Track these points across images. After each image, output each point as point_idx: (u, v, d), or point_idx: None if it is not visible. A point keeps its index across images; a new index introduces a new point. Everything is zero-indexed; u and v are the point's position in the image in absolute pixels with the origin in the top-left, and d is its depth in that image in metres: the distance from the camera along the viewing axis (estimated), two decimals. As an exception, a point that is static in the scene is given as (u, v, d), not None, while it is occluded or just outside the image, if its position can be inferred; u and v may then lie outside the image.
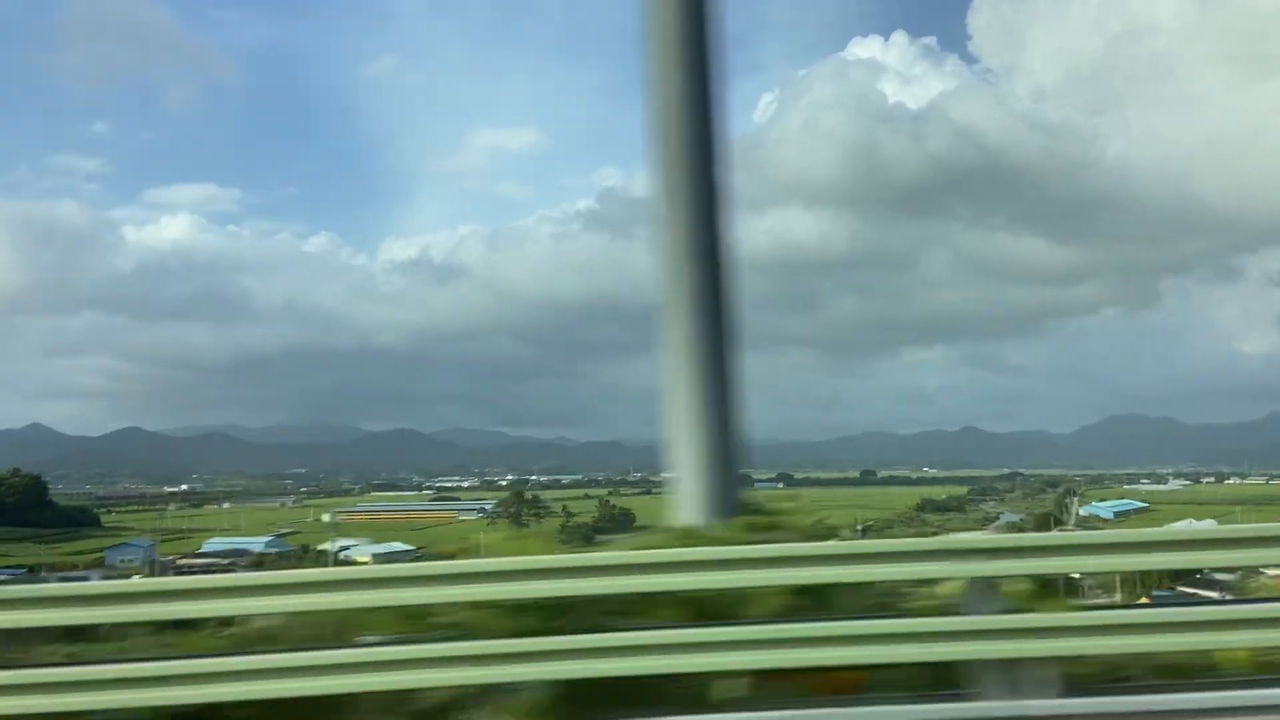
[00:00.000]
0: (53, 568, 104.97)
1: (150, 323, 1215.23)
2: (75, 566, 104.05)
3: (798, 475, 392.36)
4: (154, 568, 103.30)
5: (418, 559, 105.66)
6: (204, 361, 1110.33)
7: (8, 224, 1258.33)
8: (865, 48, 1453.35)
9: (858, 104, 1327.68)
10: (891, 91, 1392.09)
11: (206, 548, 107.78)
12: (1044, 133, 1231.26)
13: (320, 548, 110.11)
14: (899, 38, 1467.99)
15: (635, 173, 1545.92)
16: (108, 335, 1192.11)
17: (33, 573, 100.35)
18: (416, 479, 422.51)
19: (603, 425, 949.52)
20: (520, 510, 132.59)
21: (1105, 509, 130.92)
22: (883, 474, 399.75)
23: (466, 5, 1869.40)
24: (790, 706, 5.17)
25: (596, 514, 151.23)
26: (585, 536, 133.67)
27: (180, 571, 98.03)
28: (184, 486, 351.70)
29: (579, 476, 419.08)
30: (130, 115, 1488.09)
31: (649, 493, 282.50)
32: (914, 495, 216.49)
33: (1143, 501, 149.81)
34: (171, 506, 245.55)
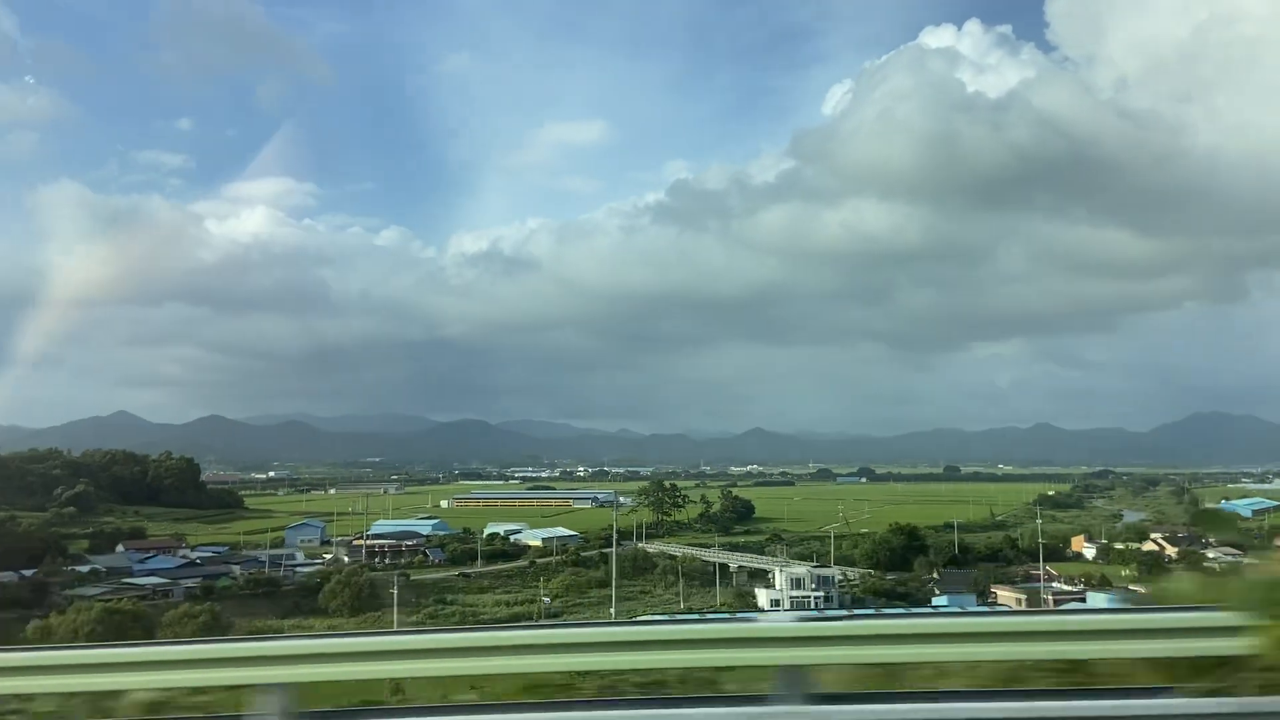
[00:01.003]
0: (239, 548, 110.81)
1: (231, 313, 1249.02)
2: (260, 546, 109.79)
3: (879, 470, 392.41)
4: (346, 547, 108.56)
5: (584, 544, 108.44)
6: (280, 352, 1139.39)
7: (98, 218, 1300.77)
8: (938, 37, 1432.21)
9: (935, 93, 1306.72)
10: (969, 80, 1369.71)
11: (375, 529, 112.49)
12: (1130, 121, 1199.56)
13: (488, 531, 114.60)
14: (972, 26, 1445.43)
15: (704, 165, 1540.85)
16: (190, 326, 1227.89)
17: (234, 551, 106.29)
18: (490, 469, 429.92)
19: (667, 418, 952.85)
20: (662, 499, 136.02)
21: (1243, 507, 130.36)
22: (965, 470, 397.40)
23: (530, 3, 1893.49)
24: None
25: (721, 504, 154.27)
26: (723, 525, 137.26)
27: (371, 552, 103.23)
28: (270, 474, 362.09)
29: (652, 468, 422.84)
30: (215, 111, 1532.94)
31: (735, 484, 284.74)
32: (1010, 492, 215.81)
33: (1274, 500, 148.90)
34: (280, 492, 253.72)
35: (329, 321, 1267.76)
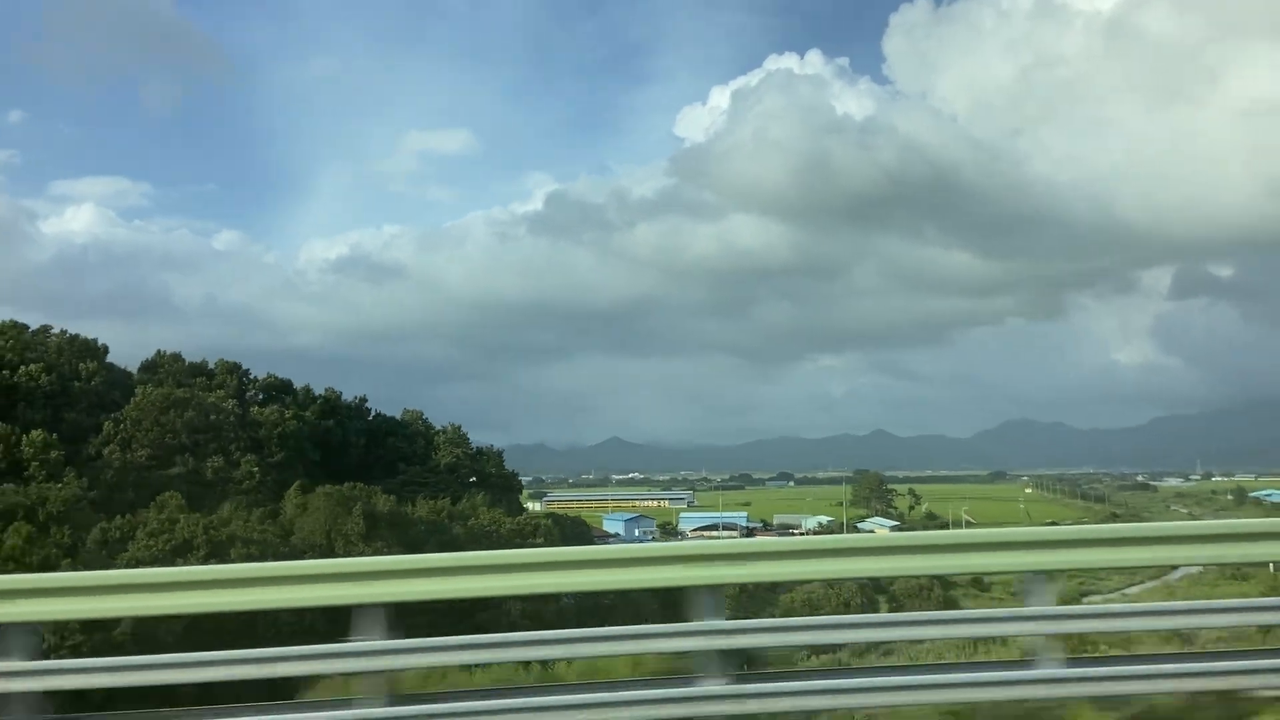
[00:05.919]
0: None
1: (64, 320, 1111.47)
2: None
3: (798, 475, 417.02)
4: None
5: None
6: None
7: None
8: (781, 64, 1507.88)
9: (805, 115, 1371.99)
10: (838, 104, 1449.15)
11: (690, 521, 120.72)
12: (980, 151, 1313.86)
13: (777, 520, 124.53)
14: (814, 57, 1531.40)
15: (563, 177, 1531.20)
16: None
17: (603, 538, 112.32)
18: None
19: (521, 429, 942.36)
20: (871, 495, 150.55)
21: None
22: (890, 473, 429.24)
23: (371, 4, 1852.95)
24: None
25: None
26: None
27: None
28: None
29: (565, 477, 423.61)
30: (49, 106, 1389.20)
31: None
32: (986, 493, 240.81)
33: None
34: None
35: (170, 328, 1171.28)
